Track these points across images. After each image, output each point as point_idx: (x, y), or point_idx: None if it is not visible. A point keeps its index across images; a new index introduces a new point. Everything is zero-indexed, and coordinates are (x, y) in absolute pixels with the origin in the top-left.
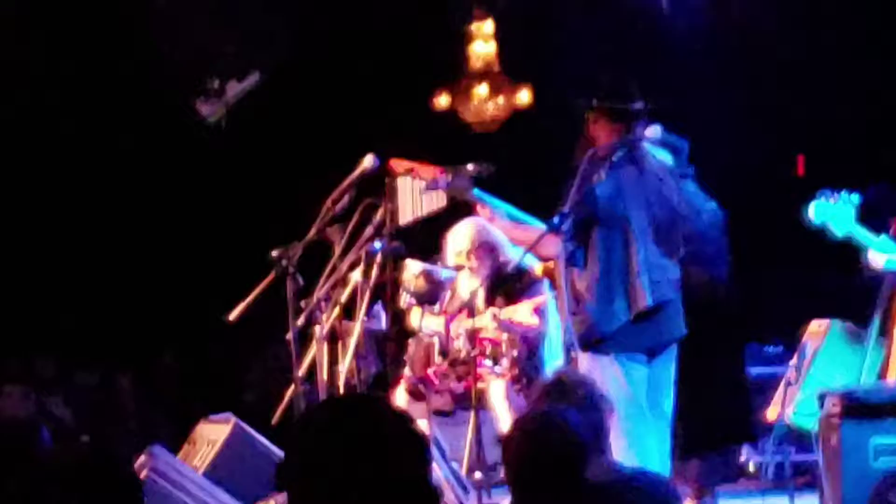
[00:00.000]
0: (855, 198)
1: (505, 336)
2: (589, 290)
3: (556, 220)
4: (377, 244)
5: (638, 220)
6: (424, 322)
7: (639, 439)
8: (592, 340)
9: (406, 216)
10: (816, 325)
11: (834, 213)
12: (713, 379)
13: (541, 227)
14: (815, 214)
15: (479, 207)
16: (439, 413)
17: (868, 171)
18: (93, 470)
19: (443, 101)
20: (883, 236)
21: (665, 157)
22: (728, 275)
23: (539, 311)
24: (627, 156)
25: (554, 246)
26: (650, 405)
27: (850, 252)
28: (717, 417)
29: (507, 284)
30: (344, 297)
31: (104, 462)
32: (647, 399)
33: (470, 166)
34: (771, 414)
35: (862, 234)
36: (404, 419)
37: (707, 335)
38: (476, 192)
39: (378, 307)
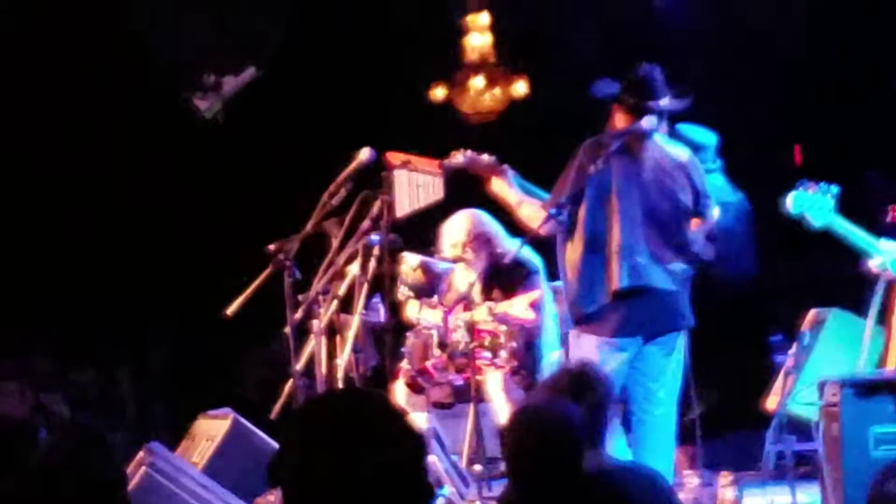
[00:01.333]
0: (834, 189)
1: (503, 328)
2: (572, 268)
3: (554, 209)
4: (374, 237)
5: (626, 206)
6: (422, 314)
7: None
8: (575, 318)
9: (403, 209)
10: (816, 315)
11: (812, 203)
12: (733, 368)
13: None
14: (792, 204)
15: (495, 176)
16: (438, 405)
17: (864, 160)
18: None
19: (439, 93)
20: (868, 235)
21: (681, 151)
22: (755, 267)
23: (535, 306)
24: (627, 145)
25: (549, 228)
26: (643, 392)
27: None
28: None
29: (503, 276)
30: (342, 291)
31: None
32: (638, 385)
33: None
34: (771, 403)
35: (842, 226)
36: (399, 414)
37: (727, 328)
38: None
39: (376, 300)
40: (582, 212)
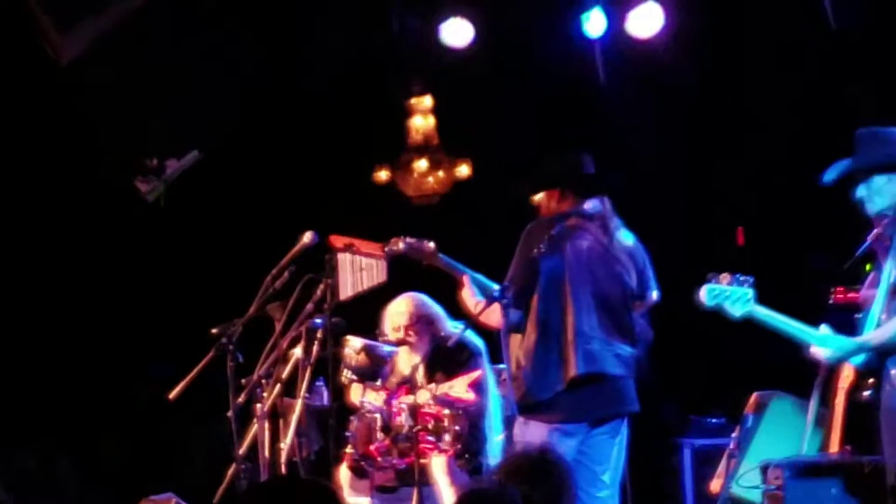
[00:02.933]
0: (749, 279)
1: (447, 411)
2: (526, 355)
3: (497, 291)
4: (318, 320)
5: (579, 292)
6: (366, 398)
7: None
8: (528, 406)
9: (346, 292)
10: (758, 398)
11: (727, 295)
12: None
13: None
14: (706, 297)
15: (463, 279)
16: (382, 489)
17: (807, 240)
18: None
19: (383, 175)
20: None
21: (628, 236)
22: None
23: (475, 386)
24: (576, 229)
25: (498, 315)
26: (588, 476)
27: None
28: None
29: (447, 359)
30: (285, 374)
31: None
32: (583, 468)
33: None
34: (714, 486)
35: (765, 315)
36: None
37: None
38: (442, 256)
39: (319, 383)
40: (535, 299)
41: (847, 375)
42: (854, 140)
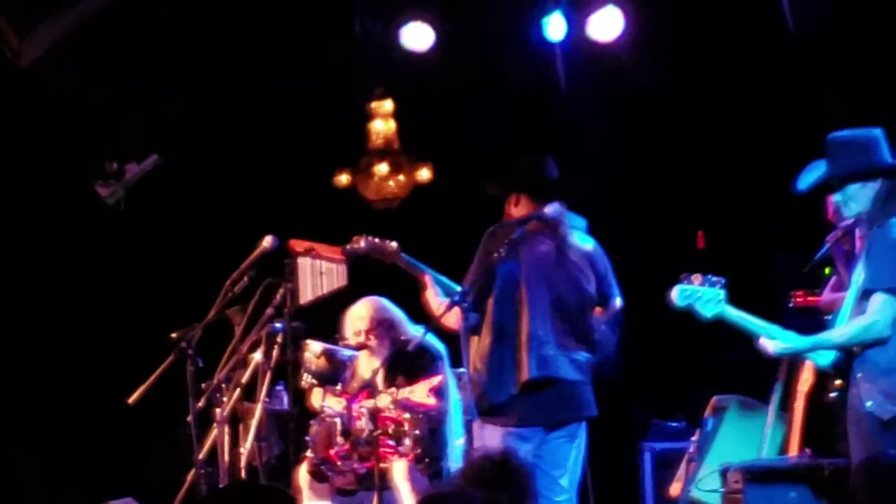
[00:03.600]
0: (721, 280)
1: (407, 415)
2: (482, 359)
3: (457, 294)
4: (278, 324)
5: (535, 297)
6: (326, 402)
7: None
8: (484, 409)
9: (307, 296)
10: (717, 401)
11: (698, 295)
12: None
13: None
14: (678, 297)
15: (425, 279)
16: (342, 493)
17: (767, 243)
18: None
19: (343, 179)
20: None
21: (587, 241)
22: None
23: (436, 391)
24: (535, 234)
25: (458, 318)
26: (546, 481)
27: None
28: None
29: (407, 363)
30: (245, 379)
31: None
32: (541, 473)
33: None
34: (674, 489)
35: (734, 316)
36: None
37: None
38: (404, 255)
39: (279, 388)
40: (490, 303)
41: (806, 378)
42: (825, 146)
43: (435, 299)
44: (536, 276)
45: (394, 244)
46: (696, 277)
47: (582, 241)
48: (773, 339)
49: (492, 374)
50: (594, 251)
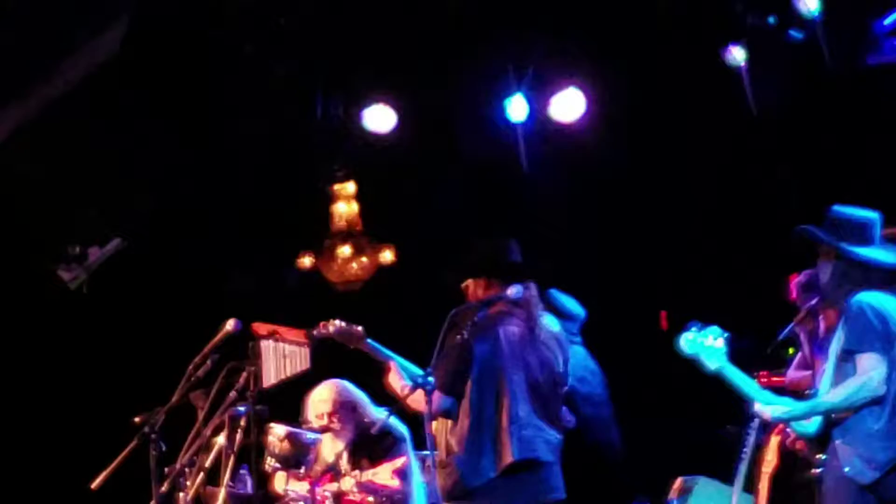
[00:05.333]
0: (725, 334)
1: (371, 498)
2: (459, 442)
3: (421, 376)
4: (241, 408)
5: (513, 378)
6: (290, 486)
7: None
8: (459, 493)
9: (270, 379)
10: (682, 482)
11: (704, 346)
12: None
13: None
14: (686, 346)
15: (390, 364)
16: None
17: (730, 324)
18: None
19: (306, 261)
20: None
21: (553, 321)
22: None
23: (400, 473)
24: (508, 315)
25: (422, 401)
26: None
27: (719, 405)
28: None
29: (371, 445)
30: (208, 462)
31: None
32: None
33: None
34: None
35: (734, 373)
36: None
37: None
38: (370, 341)
39: (243, 472)
40: (468, 387)
41: (770, 460)
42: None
43: (398, 382)
44: (513, 358)
45: (360, 329)
46: (703, 327)
47: (549, 322)
48: (770, 404)
49: (470, 457)
50: (560, 332)
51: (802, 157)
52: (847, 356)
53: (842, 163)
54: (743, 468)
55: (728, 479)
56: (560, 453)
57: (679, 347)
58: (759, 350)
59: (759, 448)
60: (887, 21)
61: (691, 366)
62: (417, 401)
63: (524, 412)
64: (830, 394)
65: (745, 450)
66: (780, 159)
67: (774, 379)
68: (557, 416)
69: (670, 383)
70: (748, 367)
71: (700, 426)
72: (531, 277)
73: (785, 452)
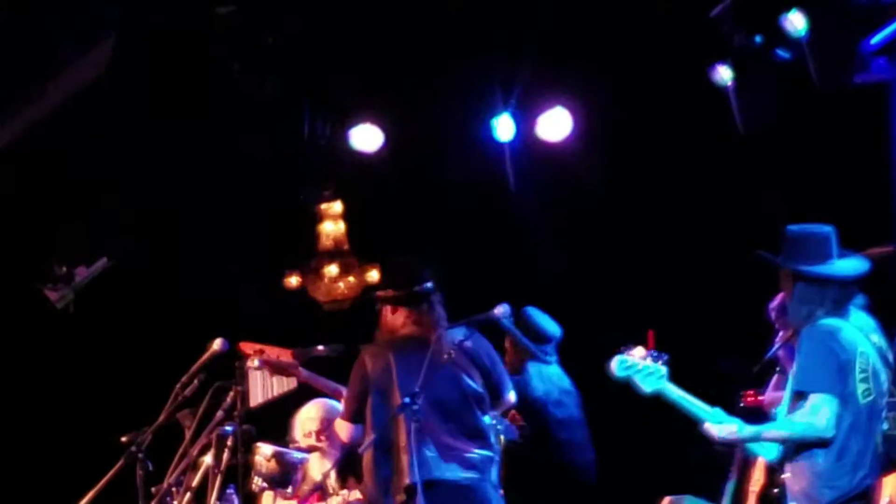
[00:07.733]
0: (664, 356)
1: None
2: (367, 471)
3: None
4: (228, 427)
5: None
6: None
7: None
8: None
9: (257, 398)
10: (669, 502)
11: (638, 369)
12: None
13: None
14: (617, 368)
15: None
16: None
17: (717, 343)
18: None
19: (293, 280)
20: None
21: (459, 333)
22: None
23: None
24: (408, 338)
25: (346, 432)
26: None
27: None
28: None
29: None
30: (195, 482)
31: None
32: None
33: (320, 347)
34: None
35: (674, 394)
36: None
37: None
38: (304, 370)
39: (230, 491)
40: (368, 413)
41: (758, 479)
42: (782, 237)
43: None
44: (409, 381)
45: (291, 358)
46: (639, 350)
47: (455, 335)
48: (719, 424)
49: (377, 484)
50: (473, 346)
51: (790, 176)
52: (798, 396)
53: (829, 182)
54: (730, 487)
55: (715, 497)
56: (491, 467)
57: (610, 371)
58: (744, 370)
59: (747, 466)
60: (874, 40)
61: (678, 384)
62: (341, 431)
63: (422, 434)
64: (779, 423)
65: (732, 468)
66: (767, 178)
67: (760, 398)
68: (480, 431)
69: (657, 401)
70: (732, 388)
71: (687, 444)
72: (433, 294)
73: (772, 471)
